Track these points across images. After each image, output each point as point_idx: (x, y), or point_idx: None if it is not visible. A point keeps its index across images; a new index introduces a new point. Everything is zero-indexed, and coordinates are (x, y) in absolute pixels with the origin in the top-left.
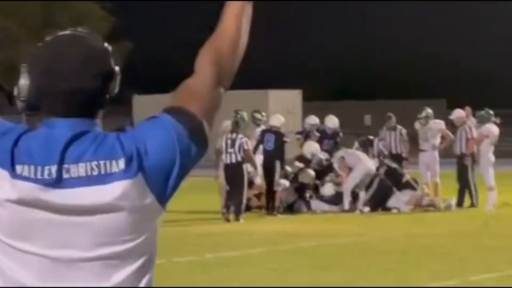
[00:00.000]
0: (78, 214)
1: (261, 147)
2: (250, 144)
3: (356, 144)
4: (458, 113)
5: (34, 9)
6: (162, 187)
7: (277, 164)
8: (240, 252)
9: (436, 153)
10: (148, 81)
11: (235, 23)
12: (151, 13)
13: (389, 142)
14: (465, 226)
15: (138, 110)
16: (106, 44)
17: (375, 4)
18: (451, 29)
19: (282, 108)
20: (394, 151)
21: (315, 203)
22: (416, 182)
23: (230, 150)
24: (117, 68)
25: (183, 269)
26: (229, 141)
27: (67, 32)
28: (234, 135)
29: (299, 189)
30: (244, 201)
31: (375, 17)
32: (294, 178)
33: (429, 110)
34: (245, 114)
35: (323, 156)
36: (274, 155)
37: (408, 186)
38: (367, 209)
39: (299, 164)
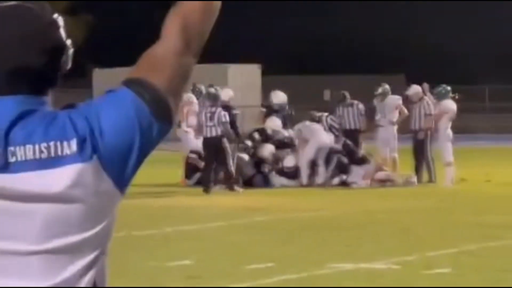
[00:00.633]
0: (26, 201)
1: None
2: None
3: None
4: (414, 89)
5: None
6: (120, 170)
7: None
8: (199, 225)
9: (394, 129)
10: (110, 55)
11: None
12: None
13: (347, 118)
14: (423, 202)
15: (99, 84)
16: (55, 15)
17: None
18: (413, 7)
19: (242, 82)
20: (352, 127)
21: (274, 178)
22: (371, 155)
23: (209, 123)
24: (69, 42)
25: (143, 242)
26: (208, 115)
27: (9, 3)
28: (213, 108)
29: (258, 163)
30: (233, 170)
31: None
32: (253, 153)
33: (386, 86)
34: (203, 88)
35: (287, 133)
36: None
37: (364, 160)
38: (336, 180)
39: (257, 136)
